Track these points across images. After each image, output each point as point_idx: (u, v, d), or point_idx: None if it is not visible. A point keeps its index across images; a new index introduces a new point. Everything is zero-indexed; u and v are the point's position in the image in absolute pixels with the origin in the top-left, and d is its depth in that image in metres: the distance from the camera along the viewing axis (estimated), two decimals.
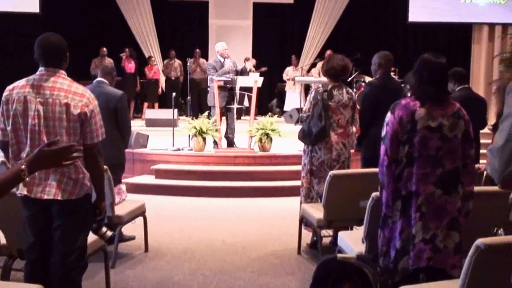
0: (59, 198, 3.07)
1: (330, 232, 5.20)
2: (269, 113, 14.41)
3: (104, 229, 3.37)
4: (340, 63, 5.10)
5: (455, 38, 14.56)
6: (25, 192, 3.07)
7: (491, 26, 13.31)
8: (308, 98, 5.24)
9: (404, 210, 3.10)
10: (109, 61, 13.09)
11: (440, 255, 3.09)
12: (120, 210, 4.87)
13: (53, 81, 3.09)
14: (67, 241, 3.13)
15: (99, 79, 5.43)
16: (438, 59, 3.17)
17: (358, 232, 4.24)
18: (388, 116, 3.16)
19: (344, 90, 5.14)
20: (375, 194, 3.54)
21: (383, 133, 3.17)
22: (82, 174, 3.13)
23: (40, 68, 3.14)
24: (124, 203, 5.11)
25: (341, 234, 4.16)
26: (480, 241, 2.43)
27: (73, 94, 3.09)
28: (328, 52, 13.39)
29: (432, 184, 3.07)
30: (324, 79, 10.77)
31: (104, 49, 13.23)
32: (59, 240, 3.12)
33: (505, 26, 13.21)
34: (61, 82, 3.10)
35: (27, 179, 2.05)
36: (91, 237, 3.48)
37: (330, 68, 5.12)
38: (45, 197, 3.07)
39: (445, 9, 13.08)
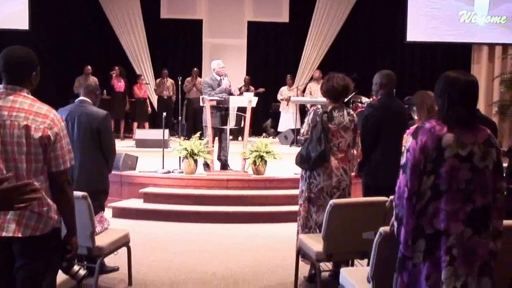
0: (19, 235, 2.66)
1: (329, 264, 4.80)
2: (264, 134, 14.23)
3: (76, 267, 2.96)
4: (341, 83, 4.73)
5: (454, 58, 14.28)
6: None
7: (491, 46, 13.10)
8: (306, 120, 4.86)
9: (430, 252, 2.67)
10: (93, 79, 12.71)
11: None
12: (101, 240, 4.45)
13: (13, 100, 2.69)
14: (29, 284, 2.71)
15: (81, 98, 5.07)
16: (468, 76, 2.77)
17: (363, 269, 3.83)
18: (410, 141, 2.74)
19: (345, 112, 4.76)
20: (383, 229, 3.15)
21: (403, 160, 2.74)
22: (47, 207, 2.72)
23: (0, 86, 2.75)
24: (107, 232, 4.70)
25: (344, 271, 3.75)
26: None
27: (34, 114, 2.69)
28: (317, 72, 13.15)
29: (462, 222, 2.65)
30: (320, 99, 10.43)
31: (89, 67, 12.86)
32: (21, 283, 2.71)
33: (505, 46, 13.03)
34: (21, 101, 2.70)
35: None
36: (63, 275, 3.07)
37: (330, 88, 4.75)
38: (4, 234, 2.66)
39: (443, 29, 12.89)
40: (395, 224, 2.78)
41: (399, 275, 2.76)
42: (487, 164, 2.69)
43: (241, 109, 8.16)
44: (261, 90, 13.55)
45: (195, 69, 13.38)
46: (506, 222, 2.82)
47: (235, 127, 8.70)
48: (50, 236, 2.75)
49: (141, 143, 11.10)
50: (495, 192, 2.72)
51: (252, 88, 13.38)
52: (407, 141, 2.77)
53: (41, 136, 2.68)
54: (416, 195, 2.66)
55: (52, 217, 2.75)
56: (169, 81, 13.42)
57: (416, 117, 4.40)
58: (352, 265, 4.67)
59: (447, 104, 2.72)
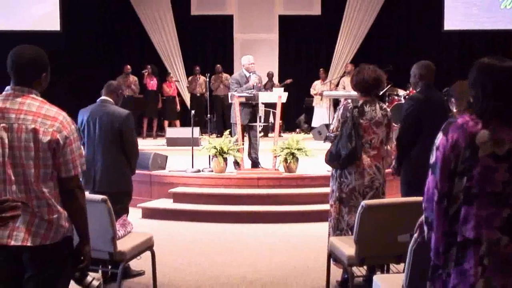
0: (29, 244, 2.51)
1: (363, 269, 4.55)
2: (297, 129, 13.97)
3: (89, 278, 2.79)
4: (372, 75, 4.44)
5: (494, 46, 13.70)
6: None
7: None
8: (335, 115, 4.60)
9: (458, 261, 2.41)
10: (133, 78, 12.72)
11: None
12: (124, 245, 4.29)
13: (20, 102, 2.54)
14: None
15: (102, 97, 4.93)
16: (504, 63, 2.39)
17: (397, 276, 3.57)
18: (440, 138, 2.43)
19: (378, 106, 4.48)
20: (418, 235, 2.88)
21: (432, 159, 2.43)
22: (57, 214, 2.56)
23: (7, 88, 2.59)
24: (130, 236, 4.54)
25: (377, 278, 3.49)
26: None
27: (43, 117, 2.52)
28: (349, 66, 12.76)
29: (497, 229, 2.35)
30: (353, 92, 10.12)
31: (128, 66, 12.78)
32: None
33: None
34: (29, 103, 2.54)
35: None
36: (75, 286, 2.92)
37: (360, 81, 4.47)
38: (12, 243, 2.50)
39: (483, 16, 12.40)
40: (425, 229, 2.51)
41: (432, 283, 2.49)
42: None
43: (269, 105, 7.92)
44: (288, 81, 13.24)
45: (218, 65, 13.18)
46: None
47: (265, 124, 8.44)
48: (61, 245, 2.59)
49: (172, 142, 11.00)
50: None
51: (276, 83, 13.10)
52: (437, 137, 2.48)
53: (50, 140, 2.52)
54: (448, 198, 2.38)
55: (62, 225, 2.59)
56: (202, 78, 13.27)
57: (454, 110, 4.08)
58: (388, 270, 4.41)
59: (481, 95, 2.40)
